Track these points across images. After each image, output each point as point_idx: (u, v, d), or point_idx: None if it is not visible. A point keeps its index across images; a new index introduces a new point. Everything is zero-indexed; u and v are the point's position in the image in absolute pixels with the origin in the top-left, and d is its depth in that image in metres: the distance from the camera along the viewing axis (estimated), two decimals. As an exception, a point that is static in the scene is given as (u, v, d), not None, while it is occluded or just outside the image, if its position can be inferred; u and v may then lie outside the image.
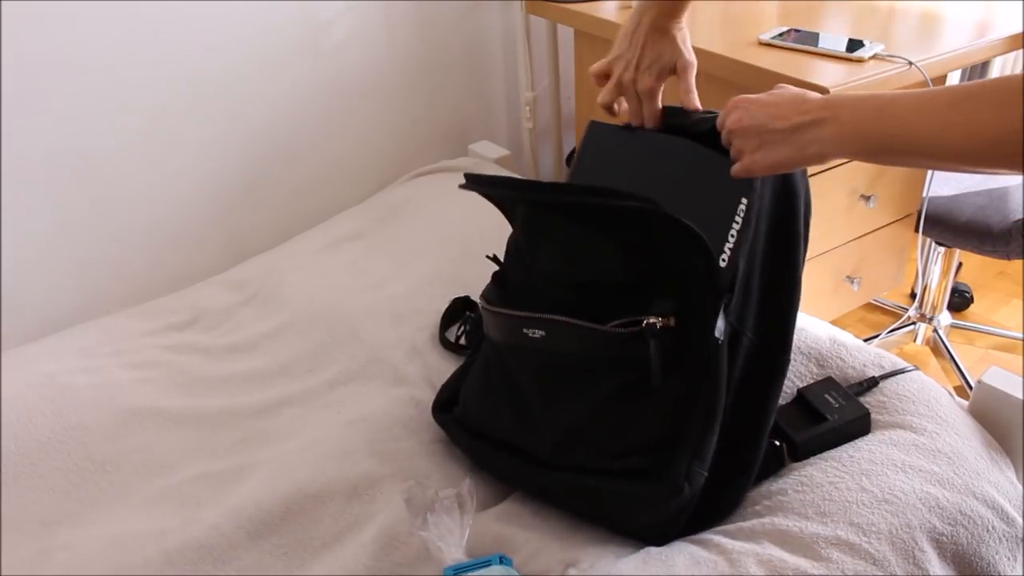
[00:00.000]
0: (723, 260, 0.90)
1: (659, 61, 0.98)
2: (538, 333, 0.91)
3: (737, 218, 0.91)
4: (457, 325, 1.26)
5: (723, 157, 0.89)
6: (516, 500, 0.98)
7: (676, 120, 0.99)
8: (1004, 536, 0.92)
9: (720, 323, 0.86)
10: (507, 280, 1.00)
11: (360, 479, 1.00)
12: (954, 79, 2.06)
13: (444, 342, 1.22)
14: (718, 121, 0.88)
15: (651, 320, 0.84)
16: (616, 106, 1.03)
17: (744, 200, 0.91)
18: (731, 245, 0.90)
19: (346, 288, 1.36)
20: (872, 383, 1.07)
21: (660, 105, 1.00)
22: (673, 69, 0.99)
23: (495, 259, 1.03)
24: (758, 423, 0.95)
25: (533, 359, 0.95)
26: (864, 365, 1.11)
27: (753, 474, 0.95)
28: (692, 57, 0.99)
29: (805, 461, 0.99)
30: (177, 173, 1.56)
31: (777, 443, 0.98)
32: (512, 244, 1.02)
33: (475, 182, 0.95)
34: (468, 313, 1.26)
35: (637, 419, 0.89)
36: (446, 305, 1.27)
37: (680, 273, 0.86)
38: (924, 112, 0.72)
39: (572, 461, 0.93)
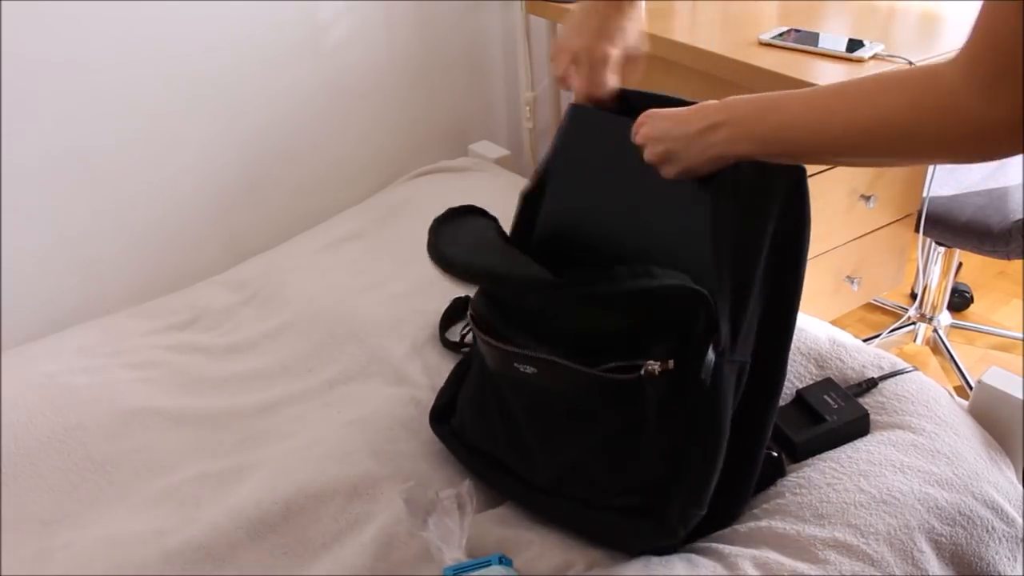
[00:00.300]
0: None
1: (613, 32, 0.96)
2: (529, 369, 0.89)
3: None
4: (458, 325, 1.26)
5: None
6: (516, 503, 0.98)
7: (637, 102, 0.94)
8: (1004, 536, 0.91)
9: (711, 355, 0.83)
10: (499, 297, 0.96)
11: (360, 479, 1.00)
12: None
13: (444, 342, 1.23)
14: (632, 134, 0.88)
15: (650, 366, 0.82)
16: (569, 80, 1.00)
17: None
18: None
19: (346, 288, 1.36)
20: (871, 384, 1.07)
21: (613, 80, 0.97)
22: (628, 53, 0.98)
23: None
24: (756, 439, 0.93)
25: (525, 390, 0.92)
26: (863, 366, 1.11)
27: (751, 486, 0.94)
28: (640, 44, 0.98)
29: (803, 462, 0.99)
30: (177, 173, 1.56)
31: (775, 453, 0.97)
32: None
33: (465, 272, 0.90)
34: (469, 312, 1.26)
35: (636, 457, 0.87)
36: (446, 305, 1.27)
37: (680, 323, 0.83)
38: (808, 106, 0.74)
39: (570, 492, 0.92)
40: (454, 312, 1.27)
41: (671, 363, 0.82)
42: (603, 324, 0.86)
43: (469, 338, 1.21)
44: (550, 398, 0.90)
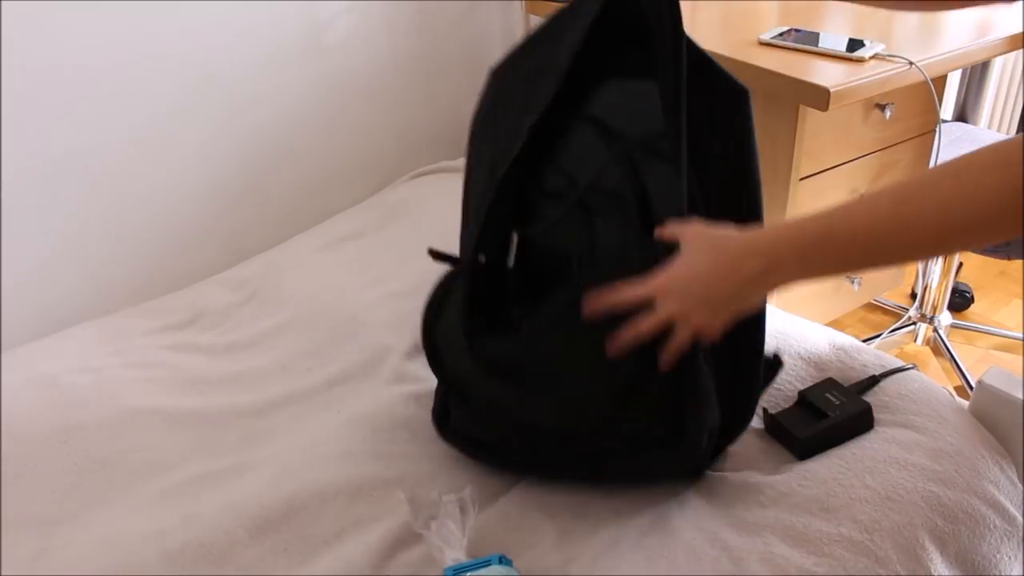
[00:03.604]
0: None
1: None
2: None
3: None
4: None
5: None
6: (517, 498, 0.98)
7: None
8: (1005, 535, 0.92)
9: None
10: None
11: (362, 478, 1.00)
12: (954, 79, 2.06)
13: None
14: (632, 293, 0.80)
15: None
16: None
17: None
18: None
19: (346, 287, 1.36)
20: (873, 382, 1.07)
21: None
22: None
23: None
24: (754, 332, 0.94)
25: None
26: (864, 366, 1.11)
27: (760, 380, 0.96)
28: None
29: (809, 459, 0.99)
30: (177, 173, 1.56)
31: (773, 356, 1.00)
32: None
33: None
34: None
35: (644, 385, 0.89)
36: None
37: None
38: (871, 222, 0.67)
39: (583, 447, 0.94)
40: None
41: None
42: None
43: None
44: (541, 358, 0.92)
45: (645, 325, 0.80)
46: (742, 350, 0.93)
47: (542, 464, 0.99)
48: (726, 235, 0.76)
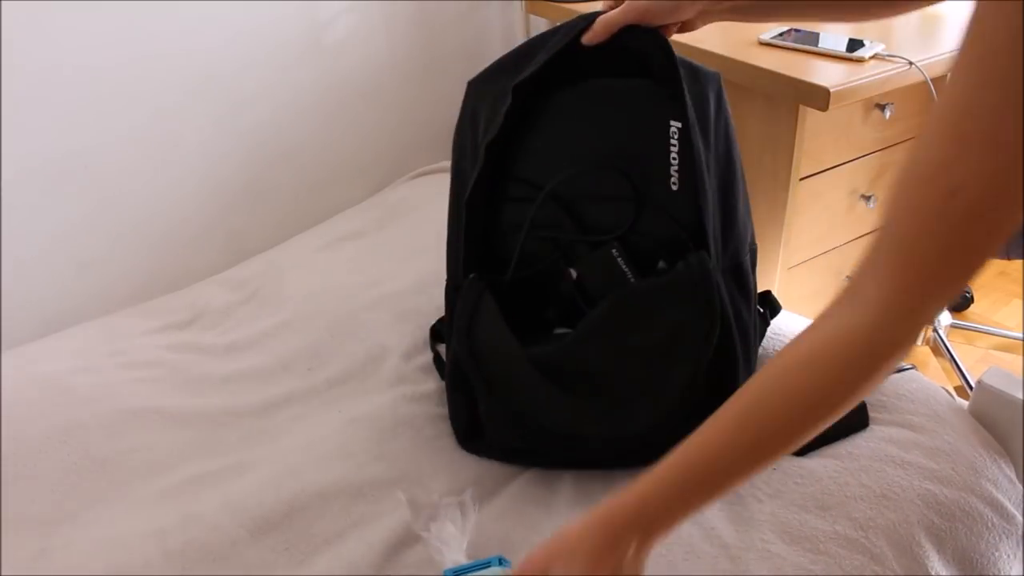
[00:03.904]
0: (674, 185, 0.93)
1: None
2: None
3: (673, 141, 0.92)
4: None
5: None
6: (516, 494, 0.98)
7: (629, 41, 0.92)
8: (1004, 534, 0.92)
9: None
10: None
11: (362, 478, 1.00)
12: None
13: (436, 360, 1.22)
14: None
15: None
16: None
17: (676, 124, 0.92)
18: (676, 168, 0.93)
19: (346, 287, 1.36)
20: (872, 382, 1.07)
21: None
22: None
23: None
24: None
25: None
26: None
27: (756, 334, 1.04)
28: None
29: (804, 456, 0.99)
30: (177, 173, 1.56)
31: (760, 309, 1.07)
32: None
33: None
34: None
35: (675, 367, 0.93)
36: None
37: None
38: (716, 457, 0.67)
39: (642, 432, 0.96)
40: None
41: None
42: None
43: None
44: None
45: None
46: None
47: (581, 461, 1.00)
48: (584, 532, 0.71)
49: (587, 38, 0.91)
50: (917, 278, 0.57)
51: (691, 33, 0.96)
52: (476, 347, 0.97)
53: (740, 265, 1.01)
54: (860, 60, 1.36)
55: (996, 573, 0.91)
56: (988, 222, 0.54)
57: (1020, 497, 0.96)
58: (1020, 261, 1.83)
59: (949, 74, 0.55)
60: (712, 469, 0.67)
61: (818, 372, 0.62)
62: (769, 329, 1.15)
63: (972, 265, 0.57)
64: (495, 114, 0.95)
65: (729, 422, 0.67)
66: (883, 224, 0.59)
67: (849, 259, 1.66)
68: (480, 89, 1.01)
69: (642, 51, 0.91)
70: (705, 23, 0.94)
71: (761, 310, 1.11)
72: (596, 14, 0.92)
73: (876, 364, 0.61)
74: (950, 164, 0.53)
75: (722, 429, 0.67)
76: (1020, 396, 1.01)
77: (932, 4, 0.84)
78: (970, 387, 1.80)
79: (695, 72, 0.95)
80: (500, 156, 0.96)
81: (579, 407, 0.94)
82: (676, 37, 0.93)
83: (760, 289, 1.09)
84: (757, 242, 1.07)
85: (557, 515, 0.95)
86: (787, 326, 1.18)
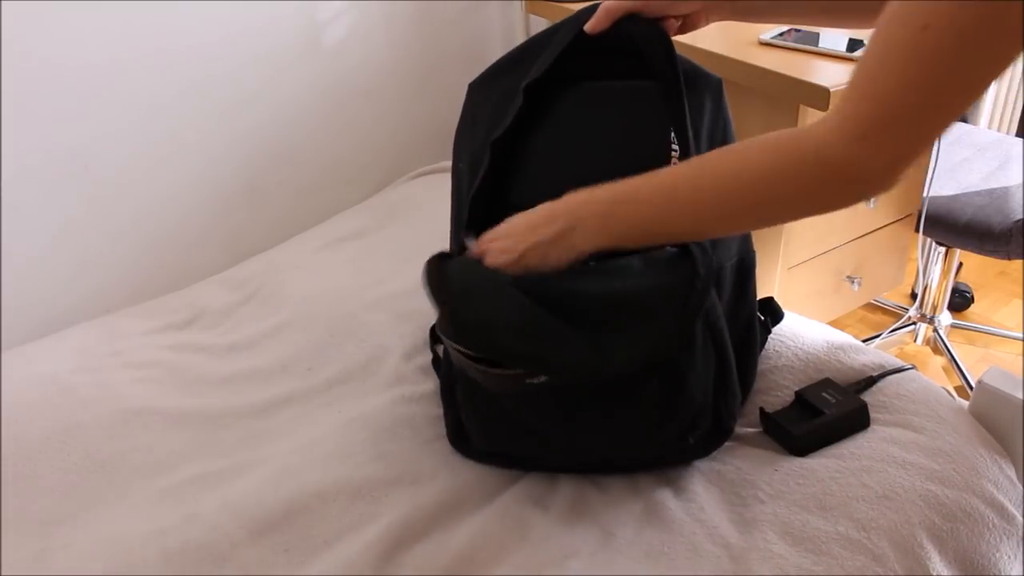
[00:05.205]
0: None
1: None
2: (542, 378, 0.86)
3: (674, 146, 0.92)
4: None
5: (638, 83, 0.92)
6: (516, 495, 0.98)
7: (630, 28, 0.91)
8: (1004, 534, 0.92)
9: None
10: None
11: (362, 478, 1.00)
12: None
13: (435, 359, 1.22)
14: (472, 251, 0.88)
15: None
16: None
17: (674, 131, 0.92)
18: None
19: (346, 287, 1.36)
20: (870, 382, 1.07)
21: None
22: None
23: None
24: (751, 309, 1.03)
25: (541, 396, 0.92)
26: (863, 365, 1.11)
27: (757, 345, 1.05)
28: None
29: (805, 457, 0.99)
30: (177, 173, 1.56)
31: (762, 317, 1.08)
32: None
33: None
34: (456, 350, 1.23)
35: (680, 393, 0.93)
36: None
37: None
38: (659, 190, 0.75)
39: (621, 459, 0.99)
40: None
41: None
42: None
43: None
44: (574, 391, 0.91)
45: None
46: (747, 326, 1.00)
47: (577, 460, 0.99)
48: (529, 211, 0.84)
49: (589, 26, 0.92)
50: (873, 105, 0.62)
51: (691, 34, 0.96)
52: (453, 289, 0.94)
53: (742, 261, 1.01)
54: (860, 60, 1.36)
55: (997, 574, 0.91)
56: (956, 61, 0.58)
57: (1020, 498, 0.96)
58: (1020, 261, 1.83)
59: None
60: (650, 199, 0.75)
61: (768, 155, 0.69)
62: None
63: (933, 105, 0.61)
64: (501, 113, 0.94)
65: (684, 167, 0.75)
66: (861, 56, 0.64)
67: (850, 259, 1.66)
68: (480, 91, 1.01)
69: (643, 48, 0.90)
70: (708, 22, 0.94)
71: (762, 317, 1.10)
72: (597, 5, 0.92)
73: (823, 174, 0.66)
74: (927, 2, 0.57)
75: (675, 171, 0.75)
76: (1020, 396, 1.01)
77: None
78: (970, 387, 1.80)
79: (696, 76, 0.95)
80: (503, 155, 0.96)
81: (559, 329, 0.88)
82: (677, 37, 0.94)
83: (761, 296, 1.09)
84: (757, 243, 1.06)
85: (556, 514, 0.94)
86: (787, 326, 1.18)
